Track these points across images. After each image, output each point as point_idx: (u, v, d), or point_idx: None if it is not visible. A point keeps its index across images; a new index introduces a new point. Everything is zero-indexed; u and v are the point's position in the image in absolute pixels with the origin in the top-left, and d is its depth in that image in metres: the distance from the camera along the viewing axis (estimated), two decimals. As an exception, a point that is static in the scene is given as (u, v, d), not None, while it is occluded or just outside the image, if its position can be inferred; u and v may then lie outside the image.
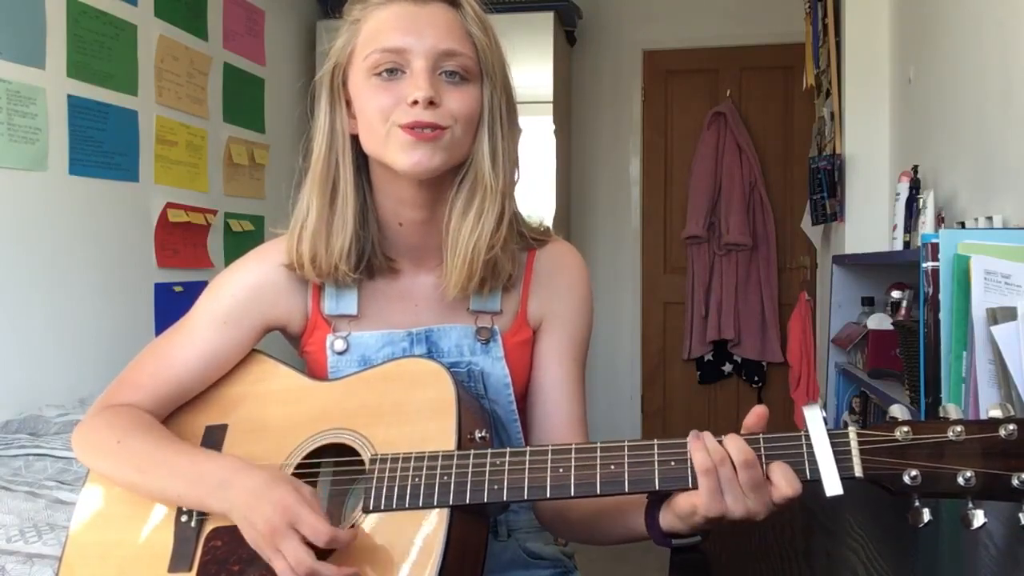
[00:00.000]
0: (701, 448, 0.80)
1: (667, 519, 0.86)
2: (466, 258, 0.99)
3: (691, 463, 0.81)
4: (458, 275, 1.00)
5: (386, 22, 0.98)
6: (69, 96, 2.31)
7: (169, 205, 2.72)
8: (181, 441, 0.99)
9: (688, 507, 0.82)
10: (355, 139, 1.01)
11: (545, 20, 3.67)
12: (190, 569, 0.92)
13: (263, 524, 0.84)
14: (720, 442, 0.81)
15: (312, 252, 1.00)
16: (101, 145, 2.44)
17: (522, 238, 1.06)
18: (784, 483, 0.78)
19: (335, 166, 1.01)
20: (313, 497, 0.86)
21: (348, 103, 1.01)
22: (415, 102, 0.94)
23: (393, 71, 0.96)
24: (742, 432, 0.83)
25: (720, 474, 0.79)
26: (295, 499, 0.84)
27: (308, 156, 1.03)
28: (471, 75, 0.99)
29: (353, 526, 0.88)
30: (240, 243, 3.09)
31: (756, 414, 0.83)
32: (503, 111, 1.02)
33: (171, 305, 2.71)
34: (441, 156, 0.96)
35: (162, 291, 2.71)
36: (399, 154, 0.95)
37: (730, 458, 0.79)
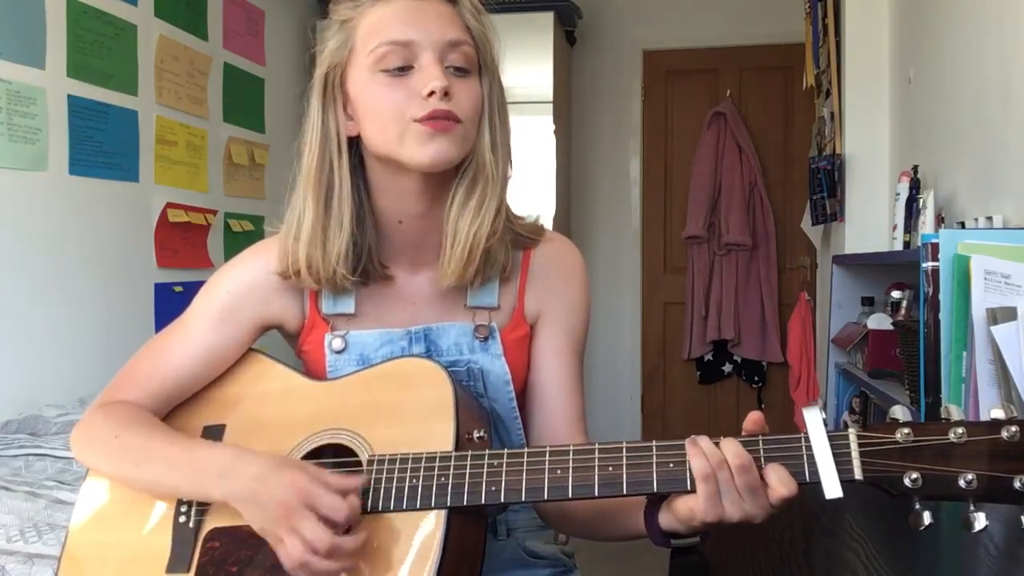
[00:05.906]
0: (699, 454, 0.80)
1: (666, 520, 0.85)
2: (466, 247, 0.99)
3: (689, 467, 0.81)
4: (456, 264, 0.99)
5: (388, 17, 0.97)
6: (69, 96, 2.31)
7: (169, 205, 2.72)
8: (178, 433, 0.98)
9: (687, 512, 0.82)
10: (351, 141, 1.01)
11: (545, 20, 3.66)
12: (188, 570, 0.92)
13: (275, 505, 0.84)
14: (717, 445, 0.81)
15: (308, 258, 0.99)
16: (101, 145, 2.44)
17: (516, 233, 1.06)
18: (779, 484, 0.78)
19: (329, 169, 1.00)
20: (324, 475, 0.86)
21: (344, 105, 1.01)
22: (431, 93, 0.94)
23: (403, 68, 0.96)
24: (742, 435, 0.82)
25: (718, 479, 0.79)
26: (308, 479, 0.84)
27: (300, 159, 1.02)
28: (473, 68, 0.99)
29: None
30: (240, 243, 3.08)
31: (752, 420, 0.83)
32: (500, 102, 1.03)
33: (171, 305, 2.70)
34: (457, 148, 0.96)
35: (162, 291, 2.71)
36: (417, 148, 0.95)
37: (727, 462, 0.79)
